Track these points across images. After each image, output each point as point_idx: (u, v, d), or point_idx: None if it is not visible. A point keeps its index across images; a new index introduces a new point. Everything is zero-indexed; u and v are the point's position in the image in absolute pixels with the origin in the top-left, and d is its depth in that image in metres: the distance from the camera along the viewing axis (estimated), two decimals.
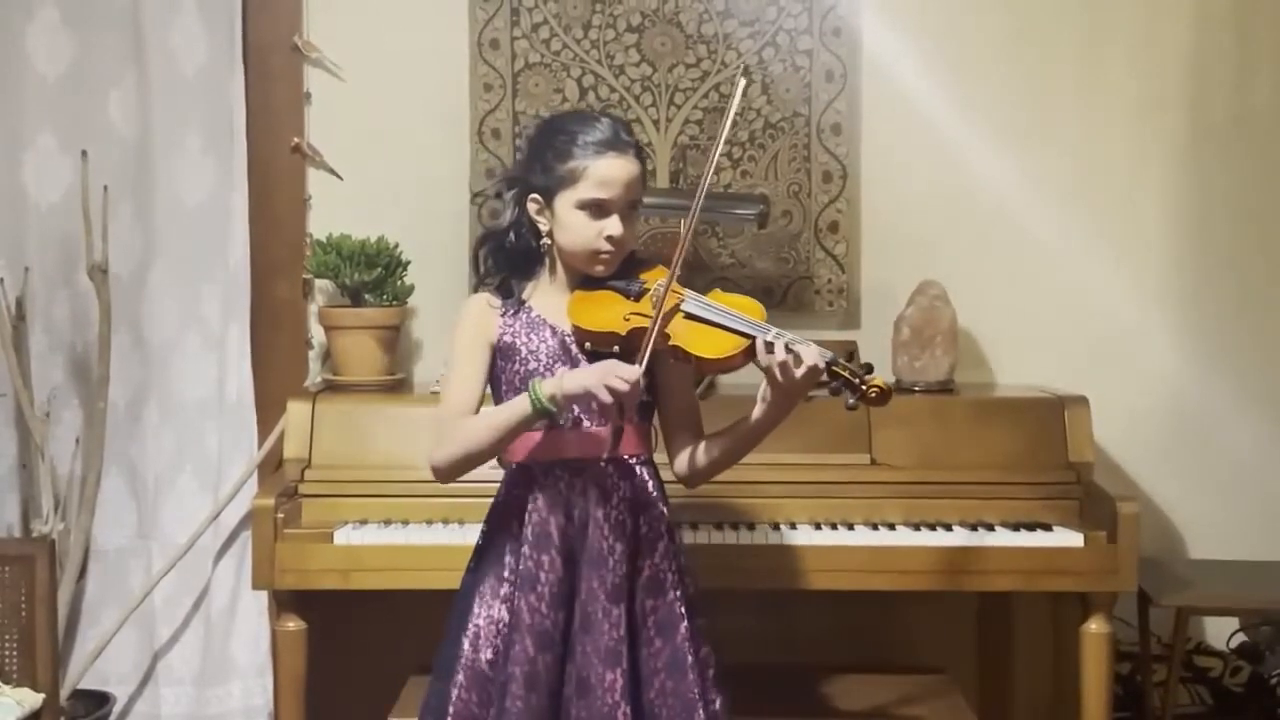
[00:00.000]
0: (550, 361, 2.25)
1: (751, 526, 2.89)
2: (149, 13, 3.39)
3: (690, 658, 2.23)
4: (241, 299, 3.43)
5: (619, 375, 2.10)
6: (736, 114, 2.27)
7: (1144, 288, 3.54)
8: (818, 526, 2.90)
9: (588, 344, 2.24)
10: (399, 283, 3.36)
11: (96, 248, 3.20)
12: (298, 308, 3.54)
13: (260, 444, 3.42)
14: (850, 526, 2.91)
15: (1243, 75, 3.52)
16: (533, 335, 2.27)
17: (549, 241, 2.27)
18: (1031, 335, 3.52)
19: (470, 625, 2.25)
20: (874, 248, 3.53)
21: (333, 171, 3.51)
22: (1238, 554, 3.45)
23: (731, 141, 3.48)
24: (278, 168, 3.50)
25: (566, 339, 2.25)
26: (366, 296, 3.34)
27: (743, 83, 2.28)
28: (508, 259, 2.32)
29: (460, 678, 2.24)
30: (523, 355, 2.26)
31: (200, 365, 3.46)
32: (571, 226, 2.23)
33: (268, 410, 3.42)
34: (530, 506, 2.24)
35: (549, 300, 2.29)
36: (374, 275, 3.31)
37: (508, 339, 2.27)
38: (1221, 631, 3.53)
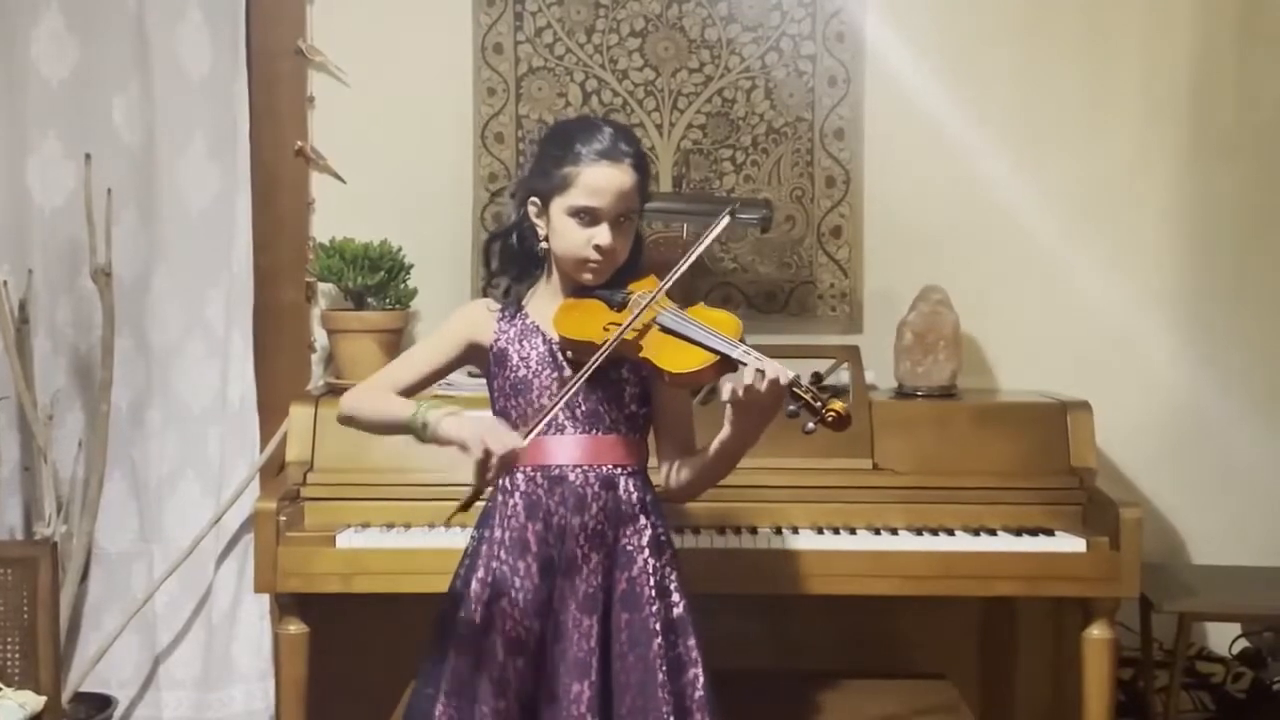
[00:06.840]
0: (539, 369, 2.24)
1: (753, 531, 2.89)
2: (153, 18, 3.39)
3: (661, 676, 2.17)
4: (245, 302, 3.43)
5: (499, 438, 2.06)
6: (713, 240, 2.30)
7: (1147, 293, 3.54)
8: (819, 531, 2.90)
9: (569, 353, 2.22)
10: (402, 286, 3.36)
11: (100, 251, 3.20)
12: (301, 311, 3.54)
13: (262, 447, 3.43)
14: (852, 531, 2.90)
15: (1246, 82, 3.52)
16: (524, 342, 2.26)
17: (546, 245, 2.27)
18: (1034, 340, 3.52)
19: (454, 630, 2.23)
20: (877, 253, 3.53)
21: (336, 175, 3.51)
22: (1240, 560, 3.45)
23: (735, 146, 3.50)
24: (281, 172, 3.50)
25: (555, 347, 2.24)
26: (369, 300, 3.34)
27: (725, 220, 2.29)
28: (512, 260, 2.32)
29: (445, 685, 2.21)
30: (514, 362, 2.25)
31: (203, 368, 3.46)
32: (562, 232, 2.23)
33: (270, 414, 3.42)
34: (509, 512, 2.23)
35: (544, 306, 2.28)
36: (377, 279, 3.31)
37: (502, 344, 2.27)
38: (1224, 637, 3.52)
